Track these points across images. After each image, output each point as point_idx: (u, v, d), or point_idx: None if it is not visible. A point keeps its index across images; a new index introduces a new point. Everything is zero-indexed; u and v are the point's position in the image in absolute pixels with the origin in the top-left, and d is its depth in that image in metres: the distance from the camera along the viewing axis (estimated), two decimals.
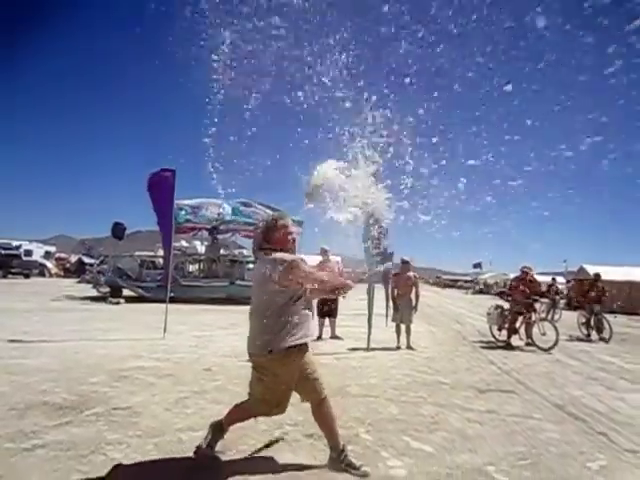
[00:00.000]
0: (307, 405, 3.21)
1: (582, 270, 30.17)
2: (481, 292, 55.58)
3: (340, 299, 9.47)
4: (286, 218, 3.20)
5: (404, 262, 8.87)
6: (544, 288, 18.19)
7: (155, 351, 6.94)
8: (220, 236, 20.79)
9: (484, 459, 3.40)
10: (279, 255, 2.98)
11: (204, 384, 5.11)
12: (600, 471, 3.32)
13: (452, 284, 77.44)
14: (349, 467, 3.02)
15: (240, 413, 3.19)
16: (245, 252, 22.42)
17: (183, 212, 17.07)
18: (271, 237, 3.10)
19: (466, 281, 71.55)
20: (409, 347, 8.33)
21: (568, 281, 34.19)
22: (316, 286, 3.16)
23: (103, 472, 2.86)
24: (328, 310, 8.98)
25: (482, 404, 4.93)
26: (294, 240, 3.22)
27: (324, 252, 9.28)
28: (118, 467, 2.94)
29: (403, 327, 8.49)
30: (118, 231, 17.91)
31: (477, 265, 67.70)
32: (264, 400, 3.03)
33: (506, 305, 10.23)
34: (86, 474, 2.83)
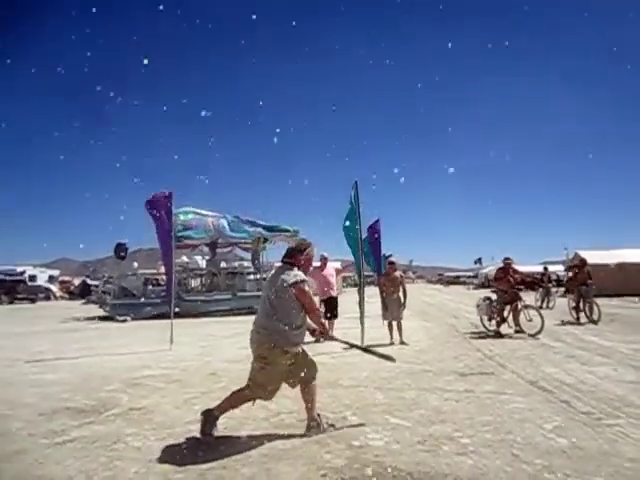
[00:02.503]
0: (300, 396, 3.89)
1: (576, 256, 30.58)
2: (483, 286, 56.01)
3: (339, 300, 10.17)
4: (313, 249, 4.08)
5: (391, 263, 9.47)
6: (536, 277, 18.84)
7: (163, 361, 7.48)
8: (219, 250, 21.35)
9: (453, 428, 3.92)
10: (299, 272, 3.80)
11: (210, 386, 5.63)
12: (553, 430, 3.84)
13: (455, 281, 77.74)
14: (318, 427, 3.80)
15: (237, 399, 3.78)
16: (245, 264, 22.97)
17: (182, 228, 17.47)
18: (297, 257, 3.90)
19: (468, 277, 71.97)
20: (402, 342, 8.83)
21: (566, 269, 34.64)
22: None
23: (126, 456, 3.40)
24: (332, 312, 9.58)
25: (461, 385, 5.46)
26: (309, 266, 4.11)
27: (323, 258, 10.02)
28: (137, 450, 3.49)
29: (395, 324, 9.00)
30: (121, 251, 18.46)
31: (478, 261, 68.37)
32: (263, 385, 3.68)
33: (494, 296, 10.74)
34: (111, 458, 3.37)
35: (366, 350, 5.03)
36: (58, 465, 3.27)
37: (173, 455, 3.40)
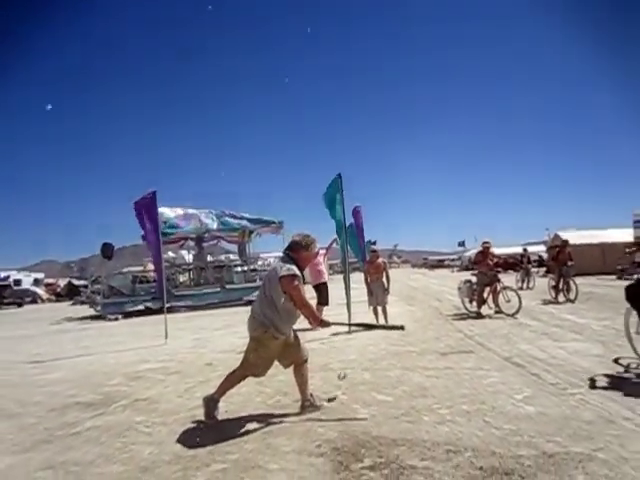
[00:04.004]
0: (294, 380, 4.26)
1: (557, 237, 31.34)
2: (467, 269, 56.76)
3: (329, 287, 10.58)
4: (316, 246, 4.31)
5: (373, 251, 9.92)
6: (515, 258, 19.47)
7: (160, 355, 7.80)
8: (205, 244, 21.60)
9: (433, 401, 4.34)
10: (293, 266, 3.96)
11: (207, 375, 5.96)
12: (523, 399, 4.27)
13: (439, 264, 78.61)
14: (311, 406, 4.19)
15: (233, 378, 4.15)
16: (231, 256, 23.26)
17: (168, 224, 17.60)
18: (300, 252, 4.14)
19: (452, 260, 72.83)
20: None
21: (547, 249, 35.38)
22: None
23: (139, 440, 3.76)
24: (323, 299, 9.98)
25: (442, 363, 5.89)
26: (309, 263, 4.37)
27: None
28: (148, 435, 3.84)
29: (380, 309, 9.44)
30: (107, 250, 18.56)
31: (461, 243, 69.24)
32: (255, 364, 4.06)
33: (474, 279, 11.21)
34: (126, 443, 3.72)
35: (372, 326, 5.39)
36: (78, 451, 3.61)
37: (182, 437, 3.76)
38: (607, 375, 4.97)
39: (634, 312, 5.43)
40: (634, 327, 5.65)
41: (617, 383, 4.70)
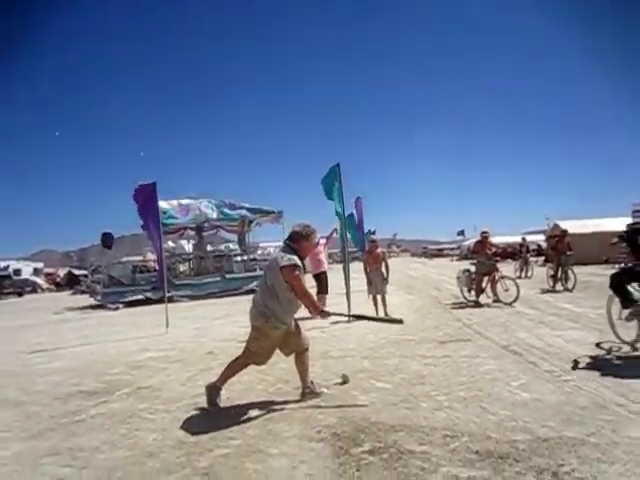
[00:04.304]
0: (294, 368, 4.36)
1: (556, 227, 31.38)
2: (466, 258, 56.82)
3: (329, 277, 10.67)
4: (316, 236, 4.40)
5: (372, 241, 10.00)
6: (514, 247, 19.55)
7: (161, 344, 7.89)
8: (205, 233, 21.66)
9: (431, 388, 4.43)
10: (294, 256, 4.05)
11: (208, 363, 6.05)
12: (519, 386, 4.36)
13: (438, 254, 78.59)
14: (312, 393, 4.28)
15: (235, 366, 4.24)
16: (231, 246, 23.33)
17: (167, 215, 17.61)
18: (301, 242, 4.21)
19: (451, 249, 72.86)
20: (386, 315, 9.32)
21: (546, 239, 35.47)
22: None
23: (143, 427, 3.84)
24: (323, 288, 10.05)
25: (440, 351, 5.97)
26: (309, 252, 4.47)
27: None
28: (151, 421, 3.93)
29: (379, 298, 9.51)
30: (107, 240, 18.62)
31: (460, 233, 69.20)
32: (257, 353, 4.15)
33: (473, 268, 11.28)
34: (130, 430, 3.80)
35: (371, 319, 5.49)
36: (83, 438, 3.69)
37: (185, 424, 3.85)
38: (591, 357, 5.27)
39: (616, 299, 5.67)
40: (617, 314, 5.82)
41: (599, 365, 4.90)
